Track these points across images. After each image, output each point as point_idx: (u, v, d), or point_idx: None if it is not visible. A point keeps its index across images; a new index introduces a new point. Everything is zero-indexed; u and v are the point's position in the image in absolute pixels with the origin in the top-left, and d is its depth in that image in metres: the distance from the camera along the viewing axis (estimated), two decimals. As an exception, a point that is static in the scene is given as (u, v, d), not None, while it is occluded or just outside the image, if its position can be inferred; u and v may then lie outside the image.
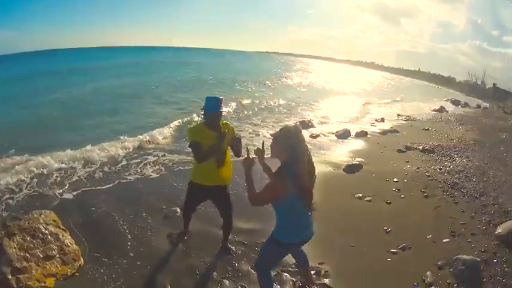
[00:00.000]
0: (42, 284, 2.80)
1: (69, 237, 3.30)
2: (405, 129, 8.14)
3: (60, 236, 3.20)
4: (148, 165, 5.47)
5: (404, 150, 6.38)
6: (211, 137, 2.69)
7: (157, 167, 5.45)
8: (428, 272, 2.91)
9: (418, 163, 5.60)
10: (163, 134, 7.14)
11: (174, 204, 4.03)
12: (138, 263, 3.09)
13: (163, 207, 4.00)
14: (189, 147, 2.78)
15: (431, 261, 3.05)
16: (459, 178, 4.87)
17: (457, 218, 3.74)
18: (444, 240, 3.37)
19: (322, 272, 2.96)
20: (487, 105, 12.11)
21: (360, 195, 4.45)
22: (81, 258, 3.16)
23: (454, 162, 5.62)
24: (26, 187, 4.62)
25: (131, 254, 3.21)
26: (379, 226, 3.69)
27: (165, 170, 5.28)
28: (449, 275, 2.89)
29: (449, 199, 4.24)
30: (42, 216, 3.28)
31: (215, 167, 2.78)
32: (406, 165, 5.49)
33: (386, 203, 4.23)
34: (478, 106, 11.68)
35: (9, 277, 2.70)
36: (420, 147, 6.49)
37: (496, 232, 3.41)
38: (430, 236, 3.44)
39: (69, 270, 3.00)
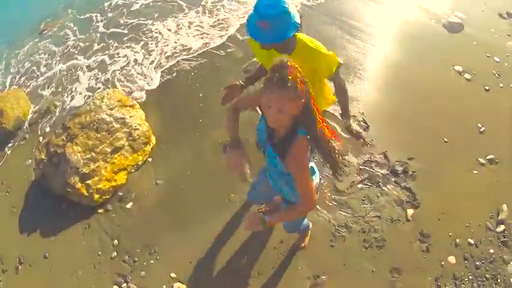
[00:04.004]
0: (113, 183, 2.65)
1: (139, 114, 2.92)
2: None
3: (128, 119, 2.81)
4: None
5: (505, 17, 5.36)
6: (270, 58, 1.64)
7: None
8: (504, 206, 2.95)
9: (520, 43, 4.84)
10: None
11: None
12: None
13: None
14: None
15: (510, 188, 3.03)
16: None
17: (547, 139, 3.52)
18: None
19: (410, 172, 2.94)
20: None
21: (460, 69, 4.02)
22: (152, 138, 2.89)
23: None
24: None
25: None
26: (473, 120, 3.50)
27: None
28: (521, 216, 2.95)
29: (541, 109, 3.88)
30: (105, 100, 2.77)
31: None
32: (508, 41, 4.76)
33: (485, 89, 3.87)
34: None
35: (79, 186, 2.51)
36: (522, 19, 5.47)
37: None
38: (516, 153, 3.30)
39: (140, 157, 2.80)
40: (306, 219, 2.25)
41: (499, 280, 2.70)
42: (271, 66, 1.30)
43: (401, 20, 4.68)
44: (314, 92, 1.53)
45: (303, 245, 2.54)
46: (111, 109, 2.79)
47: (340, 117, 1.99)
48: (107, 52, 4.35)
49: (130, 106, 2.89)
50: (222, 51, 4.01)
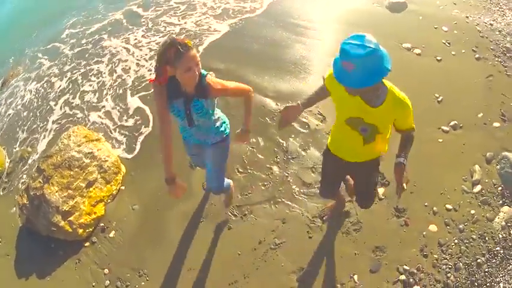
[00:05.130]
0: (94, 216, 2.75)
1: (105, 147, 3.03)
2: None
3: (96, 153, 2.91)
4: None
5: (450, -14, 5.52)
6: (350, 103, 1.65)
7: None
8: (476, 166, 3.01)
9: (467, 8, 4.96)
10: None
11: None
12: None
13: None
14: None
15: (480, 149, 3.12)
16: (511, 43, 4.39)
17: (508, 97, 3.59)
18: (495, 125, 3.34)
19: None
20: None
21: (409, 45, 4.11)
22: (122, 166, 2.99)
23: (505, 18, 4.98)
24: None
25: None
26: (430, 92, 3.56)
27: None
28: (495, 174, 3.00)
29: (501, 68, 3.96)
30: (72, 138, 2.88)
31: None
32: (454, 10, 4.87)
33: (437, 60, 3.96)
34: None
35: (62, 224, 2.61)
36: (467, -17, 5.57)
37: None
38: (482, 115, 3.38)
39: (114, 187, 2.90)
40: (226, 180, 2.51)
41: (487, 238, 2.76)
42: (166, 46, 1.61)
43: (343, 10, 4.75)
44: (380, 137, 1.78)
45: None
46: (79, 146, 2.88)
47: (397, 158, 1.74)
48: (76, 72, 4.48)
49: (96, 140, 2.99)
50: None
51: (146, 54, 4.44)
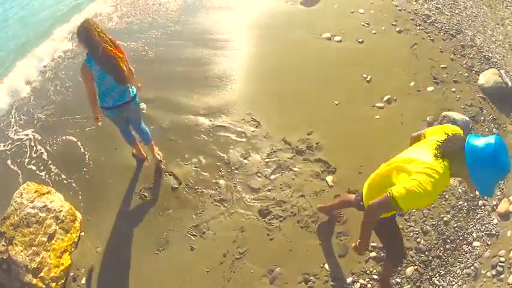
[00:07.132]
0: (62, 267, 2.76)
1: (57, 197, 3.04)
2: None
3: (49, 205, 2.94)
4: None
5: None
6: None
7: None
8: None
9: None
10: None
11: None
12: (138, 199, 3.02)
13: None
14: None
15: (419, 116, 3.24)
16: (429, 9, 4.60)
17: (436, 60, 3.75)
18: (429, 89, 3.48)
19: (315, 145, 3.09)
20: None
21: (328, 35, 4.21)
22: (77, 213, 3.02)
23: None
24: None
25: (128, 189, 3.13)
26: (357, 74, 3.63)
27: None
28: (441, 135, 3.13)
29: (424, 35, 4.13)
30: (24, 196, 2.87)
31: None
32: None
33: (359, 42, 4.06)
34: None
35: (35, 281, 2.62)
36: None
37: (480, 83, 3.49)
38: (413, 83, 3.52)
39: (74, 235, 2.93)
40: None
41: (447, 196, 2.86)
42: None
43: (258, 14, 4.80)
44: None
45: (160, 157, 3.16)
46: (32, 202, 2.88)
47: None
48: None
49: (47, 192, 3.00)
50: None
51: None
